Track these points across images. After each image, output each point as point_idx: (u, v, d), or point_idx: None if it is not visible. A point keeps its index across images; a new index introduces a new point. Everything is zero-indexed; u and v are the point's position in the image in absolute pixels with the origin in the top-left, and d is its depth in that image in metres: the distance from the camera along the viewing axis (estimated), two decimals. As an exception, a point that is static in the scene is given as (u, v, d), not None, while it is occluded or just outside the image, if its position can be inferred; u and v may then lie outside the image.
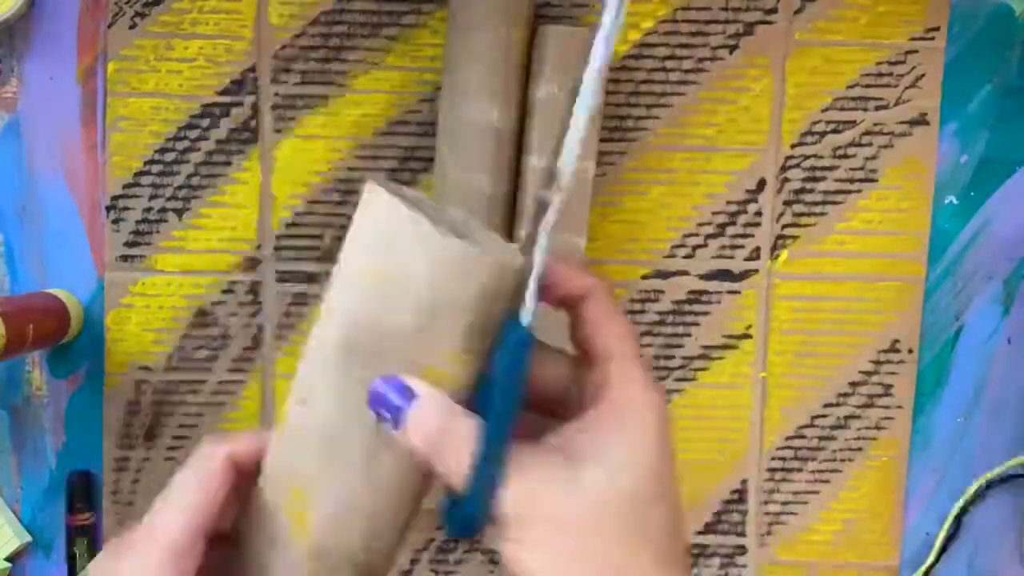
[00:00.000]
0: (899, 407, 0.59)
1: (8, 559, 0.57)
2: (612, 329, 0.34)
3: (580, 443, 0.32)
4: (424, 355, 0.32)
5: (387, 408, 0.32)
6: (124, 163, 0.56)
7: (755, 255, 0.58)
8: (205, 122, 0.56)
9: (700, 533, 0.59)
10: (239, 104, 0.56)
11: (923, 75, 0.57)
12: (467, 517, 0.31)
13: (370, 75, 0.56)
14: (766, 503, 0.59)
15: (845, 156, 0.58)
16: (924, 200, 0.58)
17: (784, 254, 0.58)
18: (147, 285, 0.57)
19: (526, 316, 0.32)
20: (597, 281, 0.35)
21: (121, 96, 0.56)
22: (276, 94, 0.56)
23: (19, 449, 0.58)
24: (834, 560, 0.60)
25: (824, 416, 0.59)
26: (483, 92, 0.52)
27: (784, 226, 0.58)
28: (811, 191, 0.58)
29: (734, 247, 0.58)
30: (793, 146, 0.57)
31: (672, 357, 0.58)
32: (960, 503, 0.59)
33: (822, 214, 0.58)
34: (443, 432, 0.32)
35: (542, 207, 0.34)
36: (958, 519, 0.59)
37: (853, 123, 0.57)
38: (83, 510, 0.57)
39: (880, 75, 0.57)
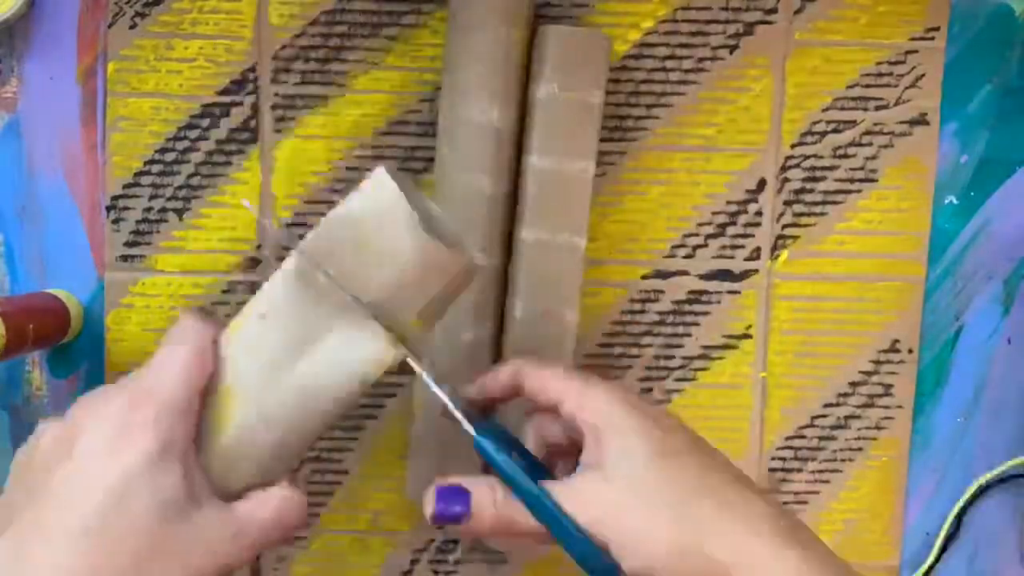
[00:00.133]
0: (899, 407, 0.59)
1: (8, 559, 0.57)
2: (548, 380, 0.41)
3: (586, 459, 0.39)
4: (379, 313, 0.38)
5: (452, 519, 0.39)
6: (124, 163, 0.56)
7: (755, 255, 0.58)
8: (205, 122, 0.56)
9: (700, 533, 0.59)
10: (239, 104, 0.56)
11: (923, 75, 0.57)
12: (598, 567, 0.38)
13: (370, 75, 0.56)
14: (766, 503, 0.59)
15: (845, 156, 0.58)
16: (924, 200, 0.58)
17: (784, 254, 0.58)
18: (147, 285, 0.57)
19: (471, 429, 0.40)
20: (512, 366, 0.42)
21: (121, 96, 0.56)
22: (276, 94, 0.56)
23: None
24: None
25: (824, 416, 0.59)
26: (483, 92, 0.52)
27: (784, 226, 0.58)
28: (811, 191, 0.58)
29: (734, 247, 0.58)
30: (793, 146, 0.57)
31: (672, 357, 0.58)
32: (960, 503, 0.59)
33: (822, 214, 0.58)
34: (499, 516, 0.39)
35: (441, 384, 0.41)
36: (958, 519, 0.59)
37: (853, 123, 0.57)
38: (83, 510, 0.57)
39: (880, 75, 0.57)
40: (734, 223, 0.58)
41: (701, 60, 0.57)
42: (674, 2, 0.56)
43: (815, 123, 0.57)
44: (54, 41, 0.56)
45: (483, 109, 0.52)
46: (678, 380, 0.58)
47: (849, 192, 0.58)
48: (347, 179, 0.57)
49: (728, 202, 0.58)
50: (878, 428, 0.59)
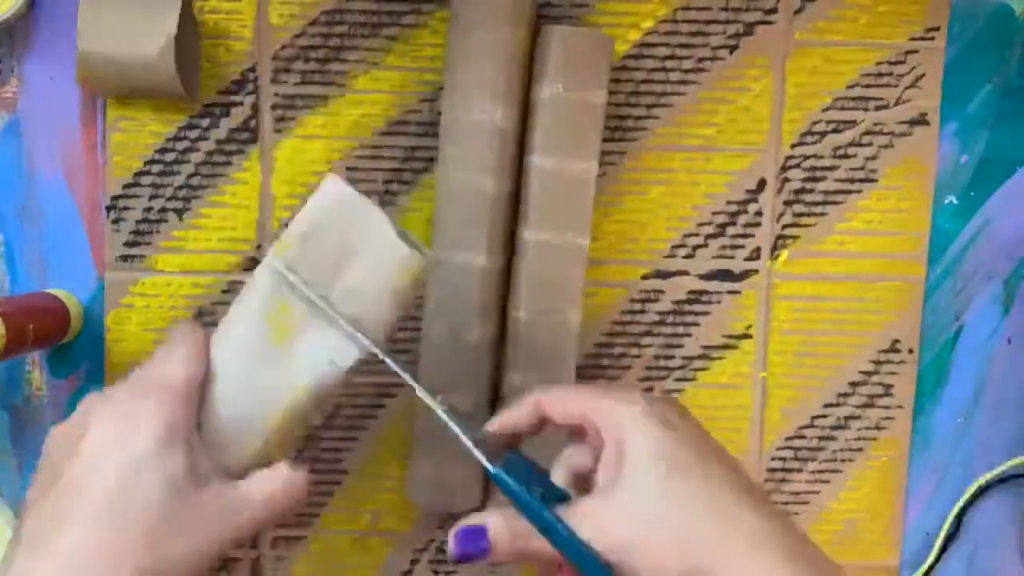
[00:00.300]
0: (899, 407, 0.59)
1: (8, 559, 0.57)
2: (567, 404, 0.42)
3: (603, 480, 0.40)
4: (343, 304, 0.42)
5: (474, 556, 0.41)
6: (124, 163, 0.56)
7: (755, 255, 0.58)
8: (205, 122, 0.56)
9: (700, 533, 0.59)
10: (239, 104, 0.56)
11: (923, 75, 0.57)
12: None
13: (370, 75, 0.56)
14: (766, 503, 0.59)
15: (845, 156, 0.58)
16: (924, 200, 0.58)
17: (784, 254, 0.58)
18: (147, 285, 0.57)
19: (488, 464, 0.41)
20: (531, 398, 0.43)
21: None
22: (276, 94, 0.56)
23: (19, 449, 0.58)
24: (834, 560, 0.59)
25: (824, 416, 0.59)
26: (487, 92, 0.52)
27: (784, 226, 0.58)
28: (811, 191, 0.58)
29: (734, 247, 0.58)
30: (793, 146, 0.57)
31: (672, 357, 0.58)
32: (960, 503, 0.59)
33: (822, 214, 0.58)
34: (516, 544, 0.40)
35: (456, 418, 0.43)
36: (958, 519, 0.59)
37: (853, 123, 0.57)
38: (83, 510, 0.57)
39: (880, 75, 0.57)
40: (734, 223, 0.58)
41: (701, 60, 0.57)
42: (674, 2, 0.56)
43: (815, 123, 0.57)
44: (54, 41, 0.56)
45: (486, 109, 0.52)
46: (678, 380, 0.58)
47: (849, 192, 0.58)
48: (347, 179, 0.56)
49: (728, 202, 0.58)
50: (878, 428, 0.59)
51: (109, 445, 0.39)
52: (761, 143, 0.57)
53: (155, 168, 0.56)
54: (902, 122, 0.57)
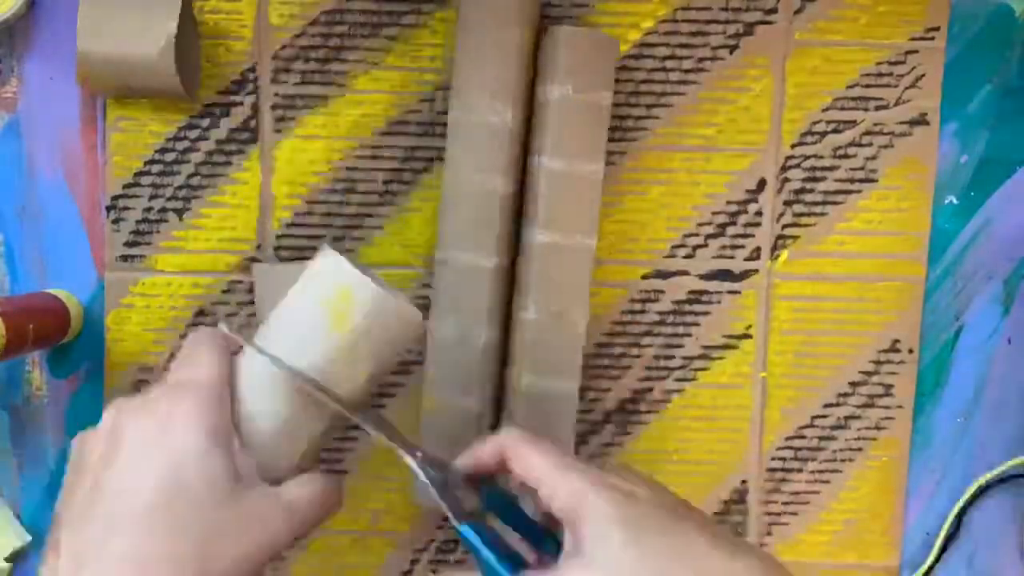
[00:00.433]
0: (899, 407, 0.59)
1: (8, 559, 0.57)
2: (530, 463, 0.41)
3: (568, 550, 0.39)
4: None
5: None
6: (124, 163, 0.56)
7: (755, 255, 0.58)
8: (205, 122, 0.56)
9: (700, 533, 0.59)
10: (239, 104, 0.56)
11: (923, 75, 0.57)
12: None
13: (370, 75, 0.56)
14: (766, 503, 0.59)
15: (845, 156, 0.58)
16: (924, 200, 0.58)
17: (784, 254, 0.58)
18: (147, 285, 0.57)
19: (454, 520, 0.41)
20: (503, 437, 0.42)
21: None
22: (276, 94, 0.56)
23: (19, 449, 0.58)
24: (834, 560, 0.60)
25: (824, 416, 0.59)
26: (497, 93, 0.52)
27: (784, 226, 0.58)
28: (811, 191, 0.58)
29: (734, 247, 0.58)
30: (793, 146, 0.57)
31: (672, 357, 0.58)
32: (960, 503, 0.59)
33: (822, 214, 0.58)
34: None
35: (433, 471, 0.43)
36: (958, 519, 0.59)
37: (853, 123, 0.57)
38: (83, 510, 0.57)
39: (880, 75, 0.57)
40: (734, 223, 0.58)
41: (701, 60, 0.57)
42: (674, 2, 0.56)
43: (815, 123, 0.57)
44: (54, 41, 0.56)
45: (496, 109, 0.52)
46: (678, 380, 0.58)
47: (849, 192, 0.58)
48: (347, 179, 0.57)
49: (728, 202, 0.58)
50: (878, 428, 0.59)
51: (149, 448, 0.38)
52: (761, 143, 0.57)
53: (155, 168, 0.56)
54: (902, 122, 0.57)
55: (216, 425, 0.38)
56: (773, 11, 0.57)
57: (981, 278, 0.59)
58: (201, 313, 0.57)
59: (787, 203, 0.58)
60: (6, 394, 0.57)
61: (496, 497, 0.43)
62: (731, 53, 0.57)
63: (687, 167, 0.57)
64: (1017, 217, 0.58)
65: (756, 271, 0.58)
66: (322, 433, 0.43)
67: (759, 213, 0.58)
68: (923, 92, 0.57)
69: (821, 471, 0.59)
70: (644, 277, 0.58)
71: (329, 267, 0.41)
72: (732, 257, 0.58)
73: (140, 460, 0.37)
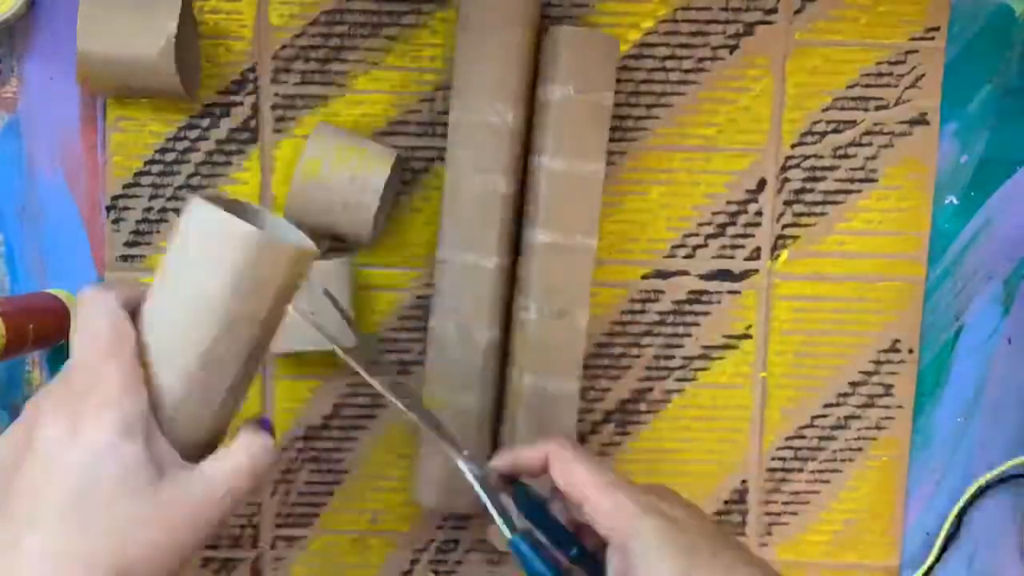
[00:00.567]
0: (899, 407, 0.59)
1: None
2: (576, 478, 0.41)
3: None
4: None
5: None
6: (124, 163, 0.56)
7: (755, 255, 0.58)
8: (205, 122, 0.56)
9: (700, 533, 0.59)
10: (239, 104, 0.56)
11: (923, 75, 0.57)
12: None
13: (370, 75, 0.56)
14: (766, 503, 0.59)
15: (845, 156, 0.58)
16: (924, 200, 0.58)
17: (784, 254, 0.58)
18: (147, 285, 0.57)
19: (506, 531, 0.42)
20: (550, 445, 0.43)
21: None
22: (276, 94, 0.56)
23: (19, 449, 0.57)
24: (834, 560, 0.60)
25: (824, 416, 0.59)
26: (499, 93, 0.52)
27: (784, 226, 0.58)
28: (811, 191, 0.58)
29: (734, 247, 0.58)
30: (793, 146, 0.57)
31: (672, 357, 0.58)
32: (960, 503, 0.59)
33: (822, 214, 0.58)
34: None
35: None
36: (958, 519, 0.59)
37: (853, 123, 0.57)
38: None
39: (880, 75, 0.57)
40: (734, 223, 0.58)
41: (701, 60, 0.57)
42: (674, 2, 0.56)
43: (815, 123, 0.57)
44: (54, 41, 0.56)
45: (498, 110, 0.52)
46: (678, 380, 0.58)
47: (849, 192, 0.58)
48: (347, 179, 0.57)
49: (728, 202, 0.58)
50: (878, 428, 0.59)
51: (62, 447, 0.37)
52: (761, 143, 0.57)
53: (155, 168, 0.56)
54: (902, 122, 0.57)
55: (126, 416, 0.37)
56: (773, 11, 0.57)
57: (981, 278, 0.59)
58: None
59: (787, 203, 0.58)
60: (6, 394, 0.57)
61: (526, 498, 0.44)
62: (731, 53, 0.57)
63: (687, 167, 0.57)
64: (1017, 217, 0.58)
65: (756, 271, 0.58)
66: (238, 379, 0.40)
67: (759, 213, 0.58)
68: (923, 92, 0.57)
69: (821, 471, 0.59)
70: (644, 277, 0.58)
71: (198, 223, 0.39)
72: (732, 257, 0.58)
73: (50, 460, 0.37)
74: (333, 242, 0.56)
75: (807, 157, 0.58)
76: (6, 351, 0.49)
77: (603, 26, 0.56)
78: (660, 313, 0.58)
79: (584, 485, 0.41)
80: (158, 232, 0.57)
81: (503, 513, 0.43)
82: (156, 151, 0.56)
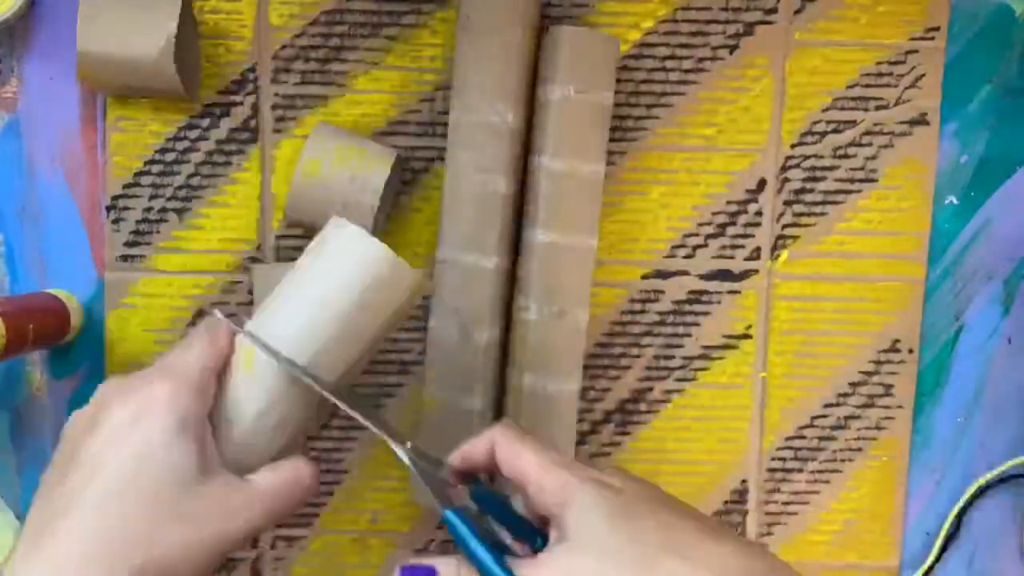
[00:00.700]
0: (899, 407, 0.59)
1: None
2: (520, 460, 0.41)
3: (553, 539, 0.39)
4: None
5: None
6: (124, 163, 0.56)
7: (755, 255, 0.58)
8: (205, 122, 0.56)
9: (700, 533, 0.59)
10: (239, 104, 0.56)
11: (923, 75, 0.57)
12: None
13: (370, 75, 0.56)
14: (766, 503, 0.59)
15: (845, 156, 0.58)
16: (924, 200, 0.58)
17: (784, 254, 0.58)
18: (147, 285, 0.57)
19: (439, 507, 0.41)
20: (494, 432, 0.42)
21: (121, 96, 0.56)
22: (276, 94, 0.56)
23: (19, 449, 0.58)
24: (834, 560, 0.60)
25: (824, 416, 0.59)
26: (499, 94, 0.52)
27: (784, 226, 0.58)
28: (811, 191, 0.58)
29: (734, 247, 0.58)
30: (793, 146, 0.57)
31: (672, 357, 0.58)
32: (960, 503, 0.59)
33: (822, 214, 0.58)
34: None
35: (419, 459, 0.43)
36: (958, 519, 0.59)
37: (853, 123, 0.57)
38: (83, 510, 0.57)
39: (880, 75, 0.57)
40: (734, 223, 0.58)
41: (701, 60, 0.57)
42: (674, 2, 0.56)
43: (815, 123, 0.57)
44: (54, 41, 0.56)
45: (499, 111, 0.52)
46: (678, 380, 0.58)
47: (849, 192, 0.58)
48: (347, 179, 0.57)
49: (728, 202, 0.58)
50: (878, 428, 0.59)
51: (122, 431, 0.39)
52: (761, 143, 0.57)
53: (155, 168, 0.56)
54: (902, 122, 0.57)
55: (188, 414, 0.40)
56: (773, 11, 0.57)
57: (981, 278, 0.59)
58: (201, 313, 0.57)
59: (787, 203, 0.58)
60: (6, 394, 0.57)
61: (487, 495, 0.43)
62: (731, 53, 0.57)
63: (687, 167, 0.57)
64: (1017, 217, 0.58)
65: (756, 271, 0.58)
66: (302, 423, 0.43)
67: (759, 213, 0.58)
68: (923, 92, 0.57)
69: (821, 471, 0.59)
70: (644, 277, 0.58)
71: (339, 238, 0.42)
72: (732, 257, 0.58)
73: (110, 442, 0.39)
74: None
75: (807, 157, 0.58)
76: (6, 351, 0.49)
77: (603, 26, 0.56)
78: (660, 313, 0.58)
79: (527, 465, 0.41)
80: (158, 232, 0.57)
81: (439, 490, 0.42)
82: (156, 151, 0.56)
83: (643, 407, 0.58)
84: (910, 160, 0.58)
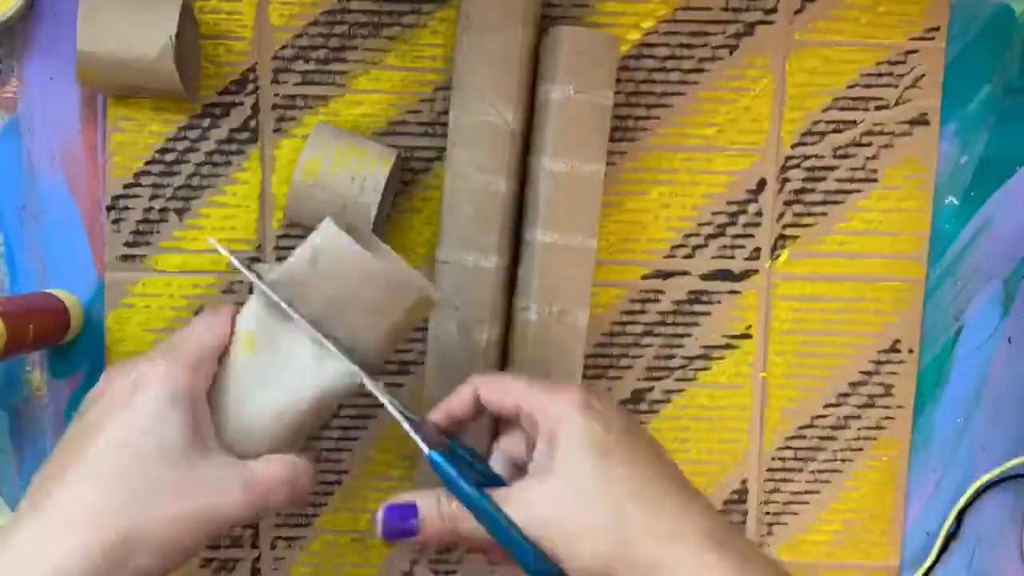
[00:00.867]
0: (899, 407, 0.59)
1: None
2: (503, 393, 0.43)
3: (535, 467, 0.41)
4: (340, 340, 0.43)
5: (402, 533, 0.41)
6: (124, 163, 0.56)
7: (755, 255, 0.58)
8: (205, 122, 0.56)
9: (700, 533, 0.59)
10: (239, 104, 0.56)
11: (923, 75, 0.57)
12: (537, 569, 0.40)
13: (370, 75, 0.56)
14: (766, 503, 0.59)
15: (845, 156, 0.58)
16: (924, 200, 0.58)
17: (784, 254, 0.58)
18: (147, 285, 0.57)
19: (425, 448, 0.42)
20: (470, 384, 0.44)
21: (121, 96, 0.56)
22: (276, 94, 0.56)
23: (19, 449, 0.58)
24: (834, 560, 0.60)
25: (824, 416, 0.59)
26: (500, 94, 0.52)
27: (784, 226, 0.58)
28: (811, 191, 0.58)
29: (734, 247, 0.58)
30: (793, 146, 0.57)
31: (672, 357, 0.58)
32: (960, 503, 0.59)
33: (822, 214, 0.58)
34: (447, 519, 0.41)
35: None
36: (958, 519, 0.59)
37: (853, 123, 0.57)
38: (83, 510, 0.57)
39: (880, 75, 0.57)
40: (734, 223, 0.58)
41: (701, 60, 0.57)
42: (674, 2, 0.56)
43: (815, 123, 0.57)
44: (54, 41, 0.56)
45: (498, 110, 0.52)
46: (678, 380, 0.58)
47: (849, 192, 0.58)
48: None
49: (728, 202, 0.58)
50: (878, 428, 0.59)
51: (120, 402, 0.40)
52: (761, 143, 0.57)
53: (155, 168, 0.56)
54: (902, 122, 0.57)
55: (181, 388, 0.41)
56: (773, 11, 0.57)
57: (981, 278, 0.59)
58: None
59: (787, 203, 0.58)
60: (6, 394, 0.57)
61: (467, 454, 0.44)
62: (731, 53, 0.57)
63: (687, 167, 0.57)
64: (1017, 217, 0.58)
65: (756, 271, 0.58)
66: (302, 413, 0.43)
67: (759, 213, 0.58)
68: (923, 92, 0.57)
69: (821, 471, 0.59)
70: (644, 277, 0.58)
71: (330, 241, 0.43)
72: (732, 257, 0.58)
73: (107, 412, 0.40)
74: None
75: (807, 157, 0.58)
76: (6, 351, 0.49)
77: (603, 26, 0.56)
78: (660, 313, 0.58)
79: (517, 389, 0.42)
80: (158, 232, 0.57)
81: (425, 436, 0.43)
82: (156, 151, 0.56)
83: (643, 407, 0.58)
84: (910, 160, 0.58)
